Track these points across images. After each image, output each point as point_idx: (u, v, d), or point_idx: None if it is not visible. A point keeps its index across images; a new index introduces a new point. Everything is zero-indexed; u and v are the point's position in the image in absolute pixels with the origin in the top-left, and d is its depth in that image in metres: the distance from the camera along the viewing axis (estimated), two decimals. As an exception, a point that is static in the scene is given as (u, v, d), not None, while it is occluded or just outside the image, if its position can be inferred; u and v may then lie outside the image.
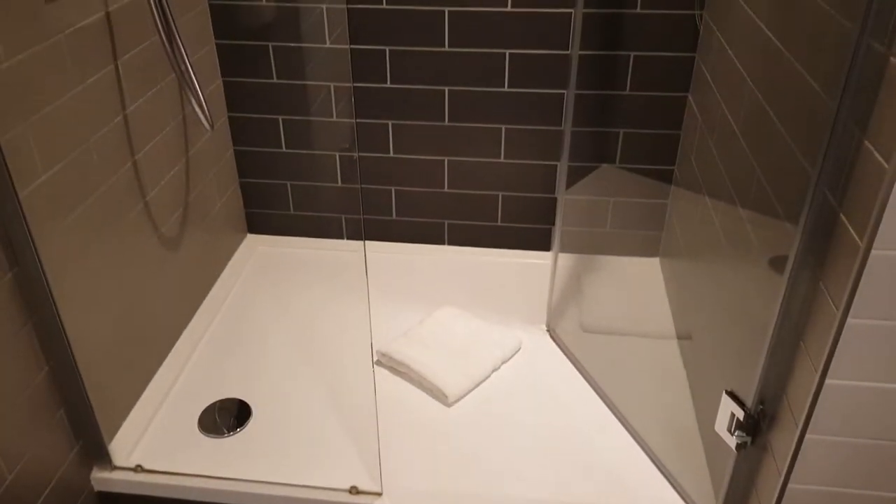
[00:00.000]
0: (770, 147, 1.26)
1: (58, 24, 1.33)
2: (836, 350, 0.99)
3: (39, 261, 1.25)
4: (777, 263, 1.18)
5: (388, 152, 2.14)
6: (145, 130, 1.67)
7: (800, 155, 1.11)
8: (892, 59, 0.84)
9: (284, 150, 2.16)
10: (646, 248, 2.19)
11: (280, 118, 2.11)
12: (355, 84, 2.03)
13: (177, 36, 1.62)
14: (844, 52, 0.91)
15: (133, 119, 1.61)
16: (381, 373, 1.80)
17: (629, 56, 1.89)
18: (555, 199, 2.14)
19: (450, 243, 2.27)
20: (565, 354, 1.87)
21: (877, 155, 0.86)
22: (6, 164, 1.17)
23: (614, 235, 2.18)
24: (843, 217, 0.95)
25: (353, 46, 1.98)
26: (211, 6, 1.96)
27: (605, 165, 2.07)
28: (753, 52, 1.40)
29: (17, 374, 1.27)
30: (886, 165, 0.84)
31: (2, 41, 1.18)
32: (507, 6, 1.87)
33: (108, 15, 1.49)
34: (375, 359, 1.83)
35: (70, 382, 1.39)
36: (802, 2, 1.14)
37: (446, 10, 1.89)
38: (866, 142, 0.89)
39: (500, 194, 2.16)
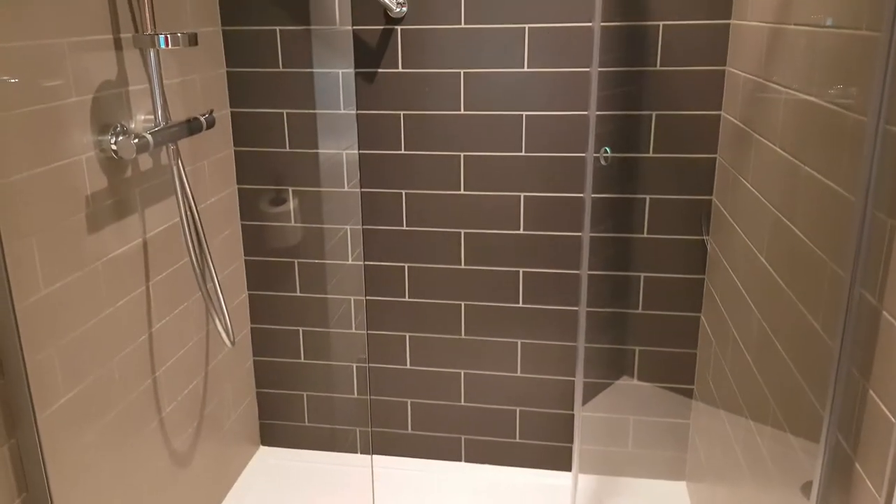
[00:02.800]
0: (781, 380, 1.25)
1: (97, 253, 1.43)
2: None
3: (48, 486, 1.24)
4: (806, 489, 1.12)
5: (406, 364, 2.15)
6: (168, 348, 1.72)
7: (810, 393, 1.10)
8: (884, 313, 0.86)
9: (303, 360, 2.20)
10: (671, 471, 2.10)
11: (300, 329, 2.17)
12: (375, 297, 2.10)
13: (208, 257, 1.73)
14: (839, 298, 0.94)
15: (157, 337, 1.67)
16: None
17: (640, 277, 1.95)
18: (573, 416, 2.10)
19: (467, 460, 2.21)
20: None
21: (882, 406, 0.86)
22: (30, 390, 1.21)
23: (637, 456, 2.11)
24: (858, 466, 0.92)
25: (371, 263, 2.08)
26: (243, 226, 2.10)
27: (621, 381, 2.05)
28: (756, 282, 1.44)
29: None
30: (894, 420, 0.83)
31: (43, 270, 1.27)
32: (519, 229, 1.98)
33: (145, 242, 1.60)
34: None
35: None
36: (800, 246, 1.20)
37: (462, 231, 2.00)
38: (871, 391, 0.89)
39: (518, 409, 2.14)
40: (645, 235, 1.92)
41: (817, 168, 1.10)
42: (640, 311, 1.98)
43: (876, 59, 0.85)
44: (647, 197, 1.90)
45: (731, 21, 1.73)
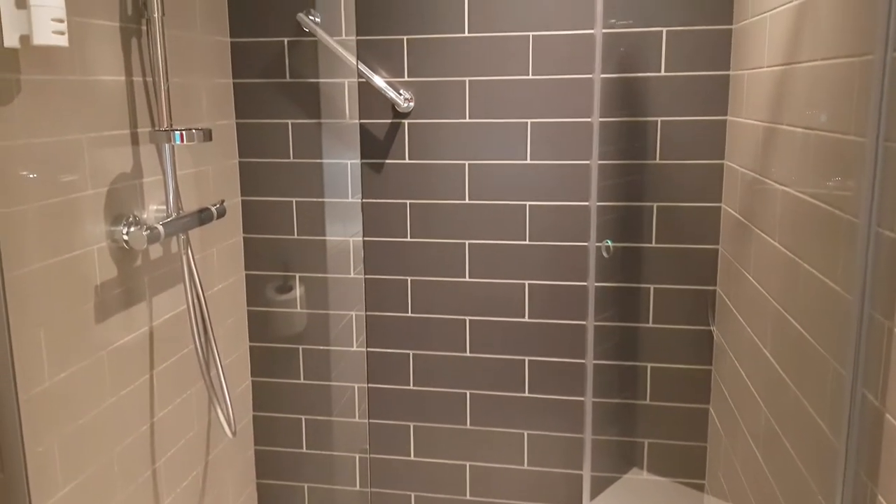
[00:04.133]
0: (790, 479, 1.23)
1: (103, 343, 1.44)
2: None
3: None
4: None
5: (409, 455, 2.12)
6: (169, 438, 1.71)
7: (819, 495, 1.08)
8: (887, 415, 0.85)
9: (304, 450, 2.16)
10: (682, 568, 2.03)
11: (303, 418, 2.15)
12: (378, 385, 2.09)
13: (213, 345, 1.73)
14: (842, 398, 0.93)
15: (158, 427, 1.66)
16: None
17: (647, 367, 1.94)
18: (580, 509, 2.05)
19: (470, 555, 2.14)
20: None
21: (892, 513, 0.84)
22: (28, 486, 1.19)
23: (646, 553, 2.04)
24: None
25: (376, 349, 2.07)
26: (249, 312, 2.11)
27: (631, 474, 2.01)
28: (761, 376, 1.43)
29: None
30: (904, 527, 0.81)
31: (49, 361, 1.28)
32: (524, 317, 1.98)
33: (151, 331, 1.61)
34: None
35: None
36: (802, 342, 1.20)
37: (467, 318, 2.01)
38: (880, 497, 0.87)
39: None
40: (650, 325, 1.92)
41: (815, 265, 1.12)
42: (648, 402, 1.96)
43: (864, 163, 0.88)
44: (652, 286, 1.91)
45: (728, 117, 1.79)
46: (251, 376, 2.15)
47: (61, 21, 1.17)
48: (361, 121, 1.98)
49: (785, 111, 1.29)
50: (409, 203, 2.00)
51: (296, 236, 2.07)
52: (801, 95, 1.21)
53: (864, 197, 0.87)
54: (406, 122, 1.96)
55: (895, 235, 0.82)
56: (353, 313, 2.09)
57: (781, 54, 1.33)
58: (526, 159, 1.92)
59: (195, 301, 1.66)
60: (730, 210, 1.74)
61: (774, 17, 1.39)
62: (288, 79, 1.99)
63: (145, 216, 1.57)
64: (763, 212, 1.43)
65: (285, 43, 1.97)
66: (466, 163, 1.95)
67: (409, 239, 2.01)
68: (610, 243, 1.88)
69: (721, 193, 1.83)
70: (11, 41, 1.14)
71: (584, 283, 1.94)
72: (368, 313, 2.07)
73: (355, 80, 1.96)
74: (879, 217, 0.86)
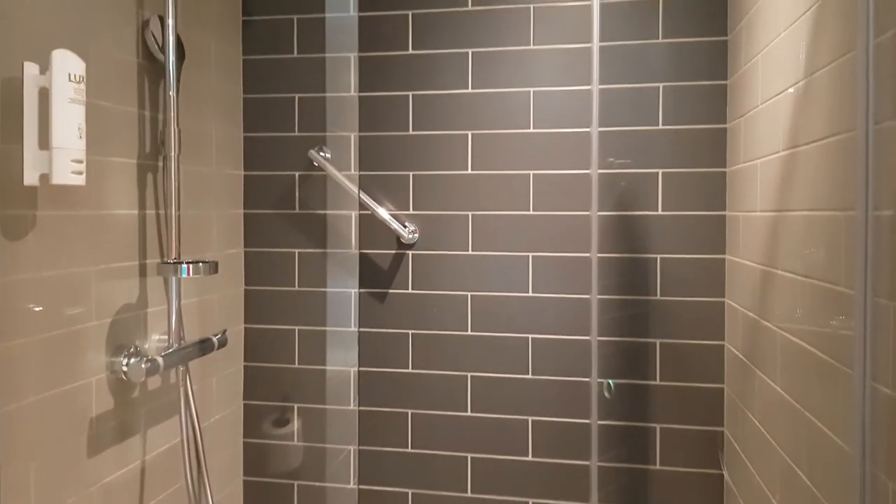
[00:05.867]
0: None
1: (94, 478, 1.40)
2: None
3: None
4: None
5: None
6: (152, 577, 1.63)
7: None
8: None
9: None
10: None
11: (296, 558, 2.05)
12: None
13: (206, 480, 1.68)
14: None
15: (142, 567, 1.58)
16: None
17: (653, 510, 1.86)
18: None
19: None
20: None
21: None
22: None
23: None
24: None
25: (373, 487, 2.01)
26: (245, 444, 2.07)
27: None
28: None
29: None
30: None
31: (36, 497, 1.24)
32: (527, 455, 1.93)
33: (143, 466, 1.57)
34: None
35: None
36: (810, 497, 1.15)
37: (469, 456, 1.95)
38: None
39: None
40: (658, 467, 1.86)
41: (816, 415, 1.10)
42: (655, 548, 1.86)
43: (855, 315, 0.88)
44: (658, 426, 1.87)
45: (727, 256, 1.82)
46: (244, 511, 2.07)
47: (80, 162, 1.23)
48: (367, 251, 2.03)
49: (779, 256, 1.32)
50: (412, 333, 2.00)
51: (296, 365, 2.06)
52: (793, 242, 1.24)
53: (857, 349, 0.86)
54: (410, 253, 2.00)
55: (890, 392, 0.81)
56: (352, 447, 2.04)
57: (773, 201, 1.37)
58: (528, 292, 1.94)
59: (190, 435, 1.63)
60: (733, 349, 1.73)
61: (765, 164, 1.44)
62: (297, 210, 2.05)
63: (147, 346, 1.58)
64: (764, 354, 1.42)
65: (296, 176, 2.05)
66: (469, 294, 1.97)
67: (410, 370, 2.00)
68: (611, 384, 1.86)
69: (724, 331, 1.83)
70: (31, 180, 1.20)
71: (589, 421, 1.90)
72: (364, 448, 2.02)
73: (361, 212, 2.02)
74: (874, 371, 0.85)
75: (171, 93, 1.56)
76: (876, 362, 0.85)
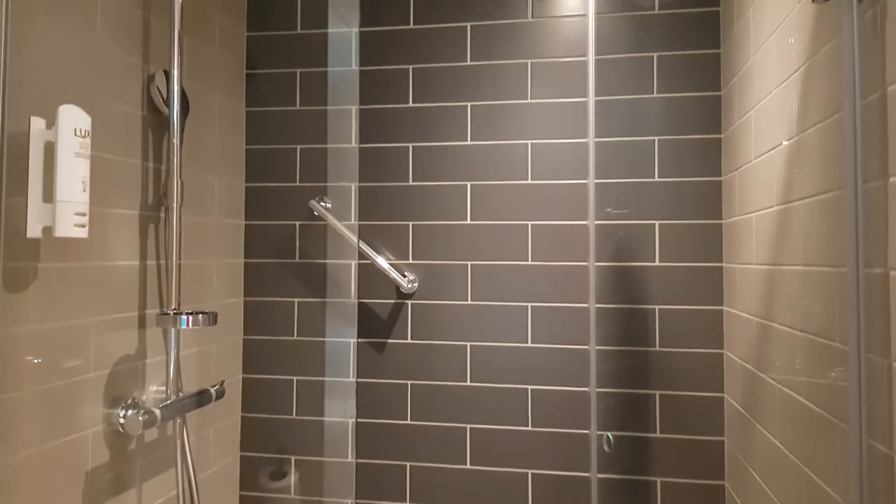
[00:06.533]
0: None
1: (84, 532, 1.38)
2: None
3: None
4: None
5: None
6: None
7: None
8: None
9: None
10: None
11: None
12: (373, 581, 1.97)
13: (199, 535, 1.66)
14: None
15: None
16: None
17: (655, 566, 1.83)
18: None
19: None
20: None
21: None
22: None
23: None
24: None
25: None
26: (241, 497, 2.04)
27: None
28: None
29: None
30: None
31: (23, 555, 1.22)
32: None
33: (136, 518, 1.55)
34: None
35: None
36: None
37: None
38: None
39: None
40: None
41: (816, 472, 1.09)
42: None
43: (850, 372, 0.88)
44: (658, 479, 1.84)
45: (724, 308, 1.82)
46: (238, 566, 2.03)
47: (84, 215, 1.24)
48: (366, 300, 2.03)
49: (776, 309, 1.32)
50: (411, 384, 1.99)
51: (294, 416, 2.04)
52: (788, 296, 1.25)
53: (853, 406, 0.86)
54: (409, 302, 2.00)
55: (886, 450, 0.81)
56: (349, 502, 2.01)
57: (768, 254, 1.38)
58: (527, 342, 1.93)
59: (186, 488, 1.61)
60: (732, 402, 1.72)
61: (760, 217, 1.46)
62: (297, 259, 2.06)
63: (144, 398, 1.57)
64: (763, 407, 1.41)
65: (297, 226, 2.07)
66: (468, 344, 1.96)
67: (409, 421, 1.98)
68: (611, 437, 1.85)
69: (723, 383, 1.82)
70: (34, 232, 1.21)
71: (589, 475, 1.87)
72: (361, 501, 1.99)
73: (361, 261, 2.03)
74: (870, 428, 0.85)
75: (174, 140, 1.58)
76: (871, 419, 0.84)
